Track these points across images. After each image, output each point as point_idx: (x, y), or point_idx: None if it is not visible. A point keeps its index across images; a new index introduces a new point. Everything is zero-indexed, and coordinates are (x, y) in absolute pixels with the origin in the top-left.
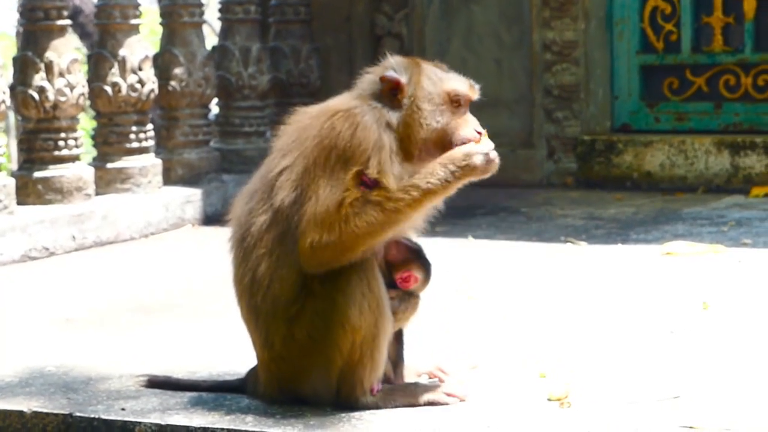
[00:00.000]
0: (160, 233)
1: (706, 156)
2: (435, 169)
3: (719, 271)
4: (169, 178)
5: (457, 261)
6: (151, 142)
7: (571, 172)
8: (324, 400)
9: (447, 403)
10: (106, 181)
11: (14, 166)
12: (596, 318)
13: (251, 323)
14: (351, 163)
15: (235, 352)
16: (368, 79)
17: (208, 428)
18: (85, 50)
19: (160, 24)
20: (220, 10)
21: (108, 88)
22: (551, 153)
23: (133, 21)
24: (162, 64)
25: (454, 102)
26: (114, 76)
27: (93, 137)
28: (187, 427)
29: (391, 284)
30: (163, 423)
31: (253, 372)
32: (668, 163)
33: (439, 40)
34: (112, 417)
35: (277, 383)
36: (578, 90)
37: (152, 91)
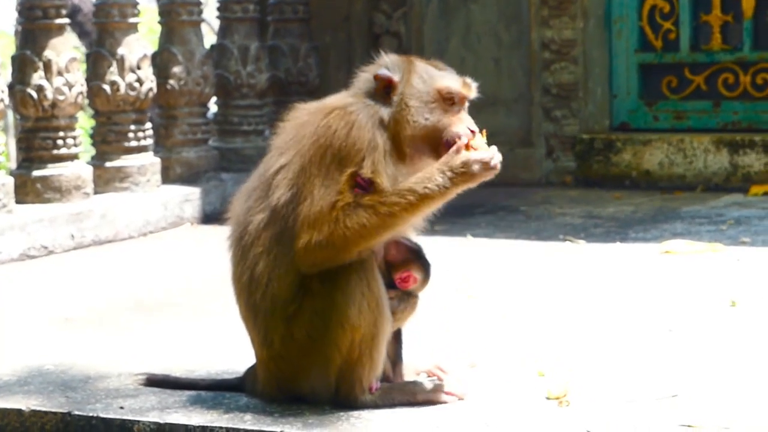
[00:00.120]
0: (159, 232)
1: (705, 154)
2: (433, 175)
3: (718, 270)
4: (167, 177)
5: (456, 260)
6: (149, 141)
7: (569, 170)
8: (323, 398)
9: (446, 402)
10: (105, 179)
11: (13, 164)
12: (595, 317)
13: (249, 321)
14: (346, 163)
15: (233, 351)
16: (363, 77)
17: (207, 427)
18: (83, 49)
19: (159, 22)
20: (219, 9)
21: (106, 87)
22: (550, 152)
23: (132, 20)
24: (160, 62)
25: (447, 100)
26: (112, 74)
27: (92, 136)
28: (186, 425)
29: (390, 284)
30: (161, 421)
31: (251, 370)
32: (667, 161)
33: (437, 39)
34: (111, 415)
35: (276, 382)
36: (577, 89)
37: (151, 89)
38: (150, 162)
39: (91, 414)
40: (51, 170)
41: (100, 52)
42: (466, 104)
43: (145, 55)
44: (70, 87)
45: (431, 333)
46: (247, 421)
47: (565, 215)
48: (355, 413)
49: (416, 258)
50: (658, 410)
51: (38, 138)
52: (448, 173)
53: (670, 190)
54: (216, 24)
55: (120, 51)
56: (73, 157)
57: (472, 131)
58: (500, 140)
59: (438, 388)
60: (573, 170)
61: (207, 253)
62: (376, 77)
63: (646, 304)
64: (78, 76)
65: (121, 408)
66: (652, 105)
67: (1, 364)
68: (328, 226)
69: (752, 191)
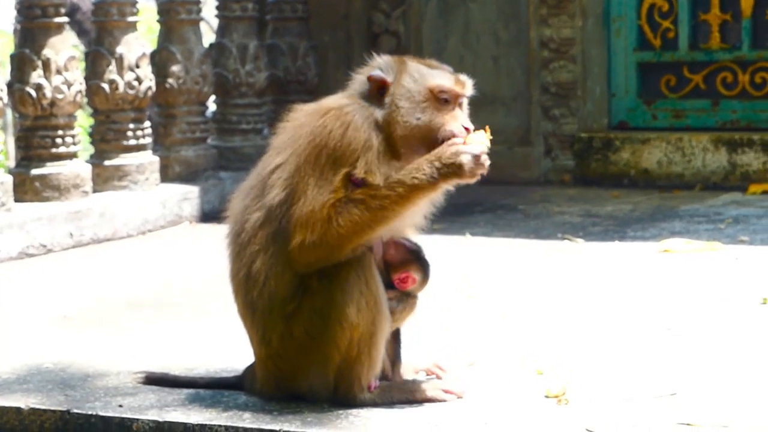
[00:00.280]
0: (158, 230)
1: (704, 153)
2: (421, 165)
3: (716, 269)
4: (166, 176)
5: (454, 258)
6: (148, 140)
7: (568, 169)
8: (321, 397)
9: (444, 400)
10: (104, 178)
11: (12, 163)
12: (594, 315)
13: (247, 319)
14: (340, 164)
15: (232, 349)
16: (358, 79)
17: (206, 425)
18: (82, 47)
19: (158, 21)
20: (218, 8)
21: (105, 86)
22: (548, 150)
23: (131, 18)
24: (159, 61)
25: (440, 98)
26: (111, 73)
27: (90, 134)
28: (185, 423)
29: (389, 285)
30: (160, 420)
31: (250, 369)
32: (665, 160)
33: (436, 38)
34: (110, 414)
35: (275, 380)
36: (575, 87)
37: (149, 88)
38: (149, 161)
39: (90, 412)
40: (50, 169)
41: (99, 51)
42: (463, 102)
43: (143, 54)
44: (69, 85)
45: (430, 332)
46: (246, 419)
47: (564, 214)
48: (354, 411)
49: (415, 259)
50: (656, 409)
51: (37, 136)
52: (437, 164)
53: (669, 188)
54: (215, 23)
55: (119, 50)
56: (71, 155)
57: (467, 129)
58: (499, 139)
59: (437, 387)
60: (571, 169)
61: (205, 252)
62: (370, 79)
63: (645, 302)
64: (77, 75)
65: (120, 406)
66: (651, 104)
67: (1, 363)
68: (321, 225)
69: (751, 190)
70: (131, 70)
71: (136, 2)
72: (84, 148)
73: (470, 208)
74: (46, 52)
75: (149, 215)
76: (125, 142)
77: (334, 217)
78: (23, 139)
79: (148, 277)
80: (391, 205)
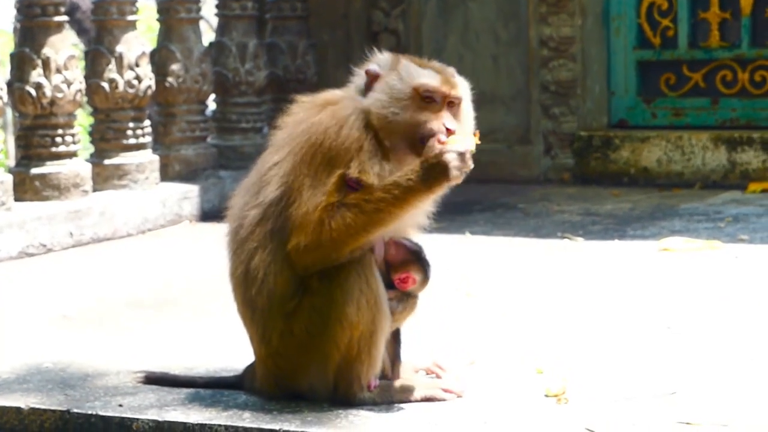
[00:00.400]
0: (158, 229)
1: (703, 152)
2: (414, 168)
3: (716, 267)
4: (166, 175)
5: (454, 257)
6: (148, 139)
7: (567, 167)
8: (321, 396)
9: (444, 399)
10: (104, 177)
11: (12, 162)
12: (593, 314)
13: (247, 317)
14: (334, 164)
15: (232, 349)
16: (358, 73)
17: (206, 424)
18: (82, 46)
19: (157, 20)
20: (217, 6)
21: (105, 85)
22: (548, 149)
23: (130, 17)
24: (159, 60)
25: (424, 97)
26: (111, 72)
27: (90, 133)
28: (185, 423)
29: (389, 285)
30: (160, 419)
31: (250, 368)
32: (665, 158)
33: (435, 37)
34: (110, 413)
35: (274, 379)
36: (575, 86)
37: (149, 87)
38: (148, 159)
39: (89, 412)
40: (50, 168)
41: (98, 50)
42: (456, 103)
43: (143, 53)
44: (69, 84)
45: (430, 331)
46: (246, 418)
47: (564, 212)
48: (354, 411)
49: (415, 259)
50: (656, 407)
51: (37, 135)
52: (425, 166)
53: (668, 187)
54: (214, 21)
55: (118, 48)
56: (71, 154)
57: (449, 129)
58: (499, 137)
59: (436, 386)
60: (571, 167)
61: (205, 251)
62: (366, 73)
63: (645, 301)
64: (76, 74)
65: (120, 406)
66: (651, 102)
67: (1, 362)
68: (314, 228)
69: (750, 188)
70: (131, 68)
71: (136, 1)
72: (84, 147)
73: (470, 207)
74: (46, 51)
75: (149, 214)
76: (125, 141)
77: (326, 220)
78: (23, 138)
79: (148, 276)
80: (386, 208)
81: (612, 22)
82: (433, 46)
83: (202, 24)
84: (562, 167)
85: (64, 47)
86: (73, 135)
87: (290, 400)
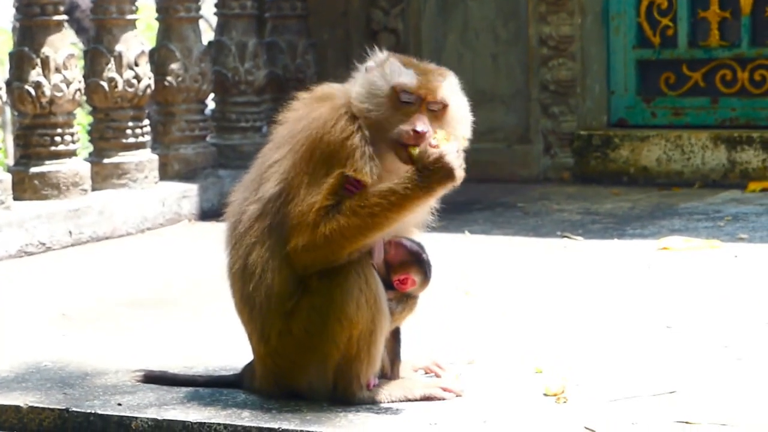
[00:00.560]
0: (157, 228)
1: (703, 151)
2: (413, 174)
3: (715, 267)
4: (165, 174)
5: (454, 256)
6: (147, 138)
7: (567, 167)
8: (320, 394)
9: (443, 398)
10: (103, 176)
11: (11, 161)
12: (593, 313)
13: (245, 314)
14: (332, 163)
15: (231, 347)
16: (359, 70)
17: (205, 423)
18: (81, 45)
19: (157, 19)
20: (217, 6)
21: (104, 84)
22: (548, 148)
23: (130, 16)
24: (158, 59)
25: (401, 98)
26: (110, 71)
27: (89, 132)
28: (184, 422)
29: (389, 285)
30: (159, 418)
31: (249, 367)
32: (665, 158)
33: (435, 36)
34: (109, 412)
35: (274, 378)
36: (575, 85)
37: (148, 86)
38: (148, 159)
39: (88, 410)
40: (49, 167)
41: (97, 49)
42: (438, 108)
43: (142, 52)
44: (68, 84)
45: (429, 330)
46: (245, 417)
47: (563, 212)
48: (353, 409)
49: (415, 261)
50: (655, 407)
51: (36, 135)
52: (426, 172)
53: (668, 186)
54: (214, 21)
55: (118, 48)
56: (70, 153)
57: (416, 132)
58: (498, 137)
59: (436, 385)
60: (571, 166)
61: (205, 250)
62: (366, 69)
63: (644, 300)
64: (76, 73)
65: (119, 405)
66: (650, 101)
67: (0, 361)
68: (310, 230)
69: (750, 188)
70: (130, 68)
71: (135, 0)
72: (83, 146)
73: (469, 206)
74: (45, 50)
75: (148, 213)
76: (124, 140)
77: (321, 223)
78: (22, 137)
79: (147, 275)
80: (382, 213)
81: (612, 21)
82: (432, 45)
83: (201, 23)
84: (561, 166)
85: (64, 46)
86: (72, 134)
87: (289, 398)
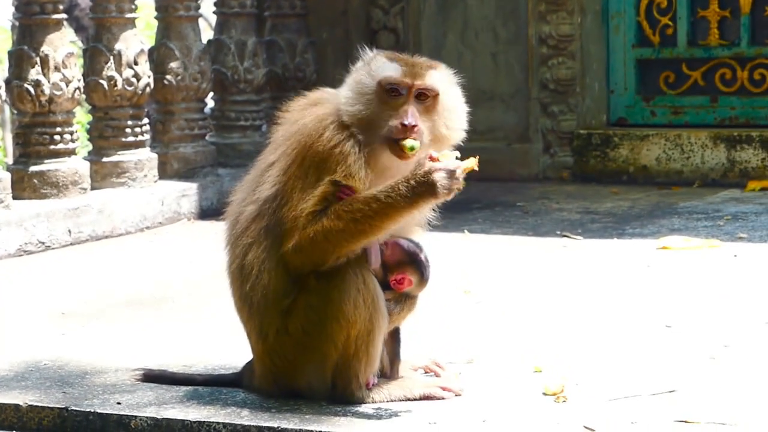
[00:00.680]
0: (156, 227)
1: (702, 150)
2: (398, 184)
3: (715, 266)
4: (164, 172)
5: (453, 255)
6: (146, 136)
7: (567, 166)
8: (319, 393)
9: (443, 398)
10: (102, 175)
11: (10, 160)
12: (592, 312)
13: (244, 312)
14: (323, 169)
15: (230, 346)
16: (353, 72)
17: (204, 422)
18: (80, 44)
19: (156, 18)
20: (216, 4)
21: (104, 82)
22: (547, 147)
23: (129, 15)
24: (158, 58)
25: (389, 91)
26: (110, 70)
27: (88, 131)
28: (183, 421)
29: (386, 286)
30: (159, 417)
31: (249, 365)
32: (664, 157)
33: (435, 35)
34: (108, 411)
35: (273, 377)
36: (574, 84)
37: (148, 85)
38: (147, 157)
39: (88, 409)
40: (48, 165)
41: (97, 48)
42: (428, 95)
43: (142, 51)
44: (67, 82)
45: (429, 329)
46: (245, 416)
47: (563, 211)
48: (352, 408)
49: (411, 261)
50: (655, 406)
51: (35, 133)
52: (412, 182)
53: (668, 185)
54: (213, 19)
55: (117, 46)
56: (70, 152)
57: (404, 125)
58: (498, 136)
59: (435, 384)
60: (570, 165)
61: (204, 249)
62: None
63: (643, 299)
64: (75, 72)
65: (119, 403)
66: (650, 100)
67: None
68: (299, 234)
69: (749, 187)
70: (129, 66)
71: None
72: (82, 144)
73: (469, 205)
74: (45, 48)
75: (147, 212)
76: (123, 139)
77: (308, 227)
78: (21, 135)
79: (146, 274)
80: (365, 219)
81: (611, 20)
82: (432, 44)
83: (200, 22)
84: (561, 165)
85: (63, 45)
86: (71, 133)
87: (289, 397)
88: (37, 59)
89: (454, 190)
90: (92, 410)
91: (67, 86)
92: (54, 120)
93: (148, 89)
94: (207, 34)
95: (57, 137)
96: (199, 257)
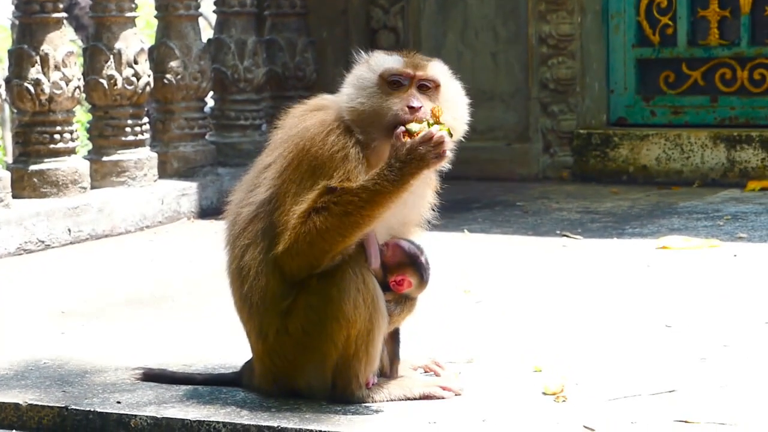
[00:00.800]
0: (156, 226)
1: (702, 150)
2: (383, 169)
3: (715, 266)
4: (164, 172)
5: (453, 255)
6: (146, 135)
7: (566, 165)
8: (319, 393)
9: (442, 397)
10: (102, 174)
11: (10, 159)
12: (592, 312)
13: (244, 312)
14: (319, 173)
15: (230, 346)
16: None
17: (204, 422)
18: (80, 43)
19: (156, 17)
20: (216, 3)
21: (104, 81)
22: (547, 147)
23: (129, 14)
24: (158, 57)
25: (391, 82)
26: (110, 69)
27: (88, 130)
28: (183, 420)
29: (386, 287)
30: (158, 416)
31: (248, 365)
32: (664, 156)
33: (434, 34)
34: (108, 410)
35: (272, 376)
36: (574, 83)
37: (148, 84)
38: (147, 156)
39: (88, 408)
40: (48, 164)
41: (97, 47)
42: (430, 85)
43: (142, 50)
44: (67, 81)
45: (429, 328)
46: (244, 416)
47: (562, 210)
48: (352, 408)
49: (411, 262)
50: (654, 406)
51: (35, 132)
52: (397, 164)
53: (667, 185)
54: (213, 18)
55: (117, 45)
56: (70, 151)
57: (411, 107)
58: (497, 135)
59: (434, 384)
60: (570, 165)
61: (203, 248)
62: None
63: (643, 299)
64: (75, 71)
65: (118, 403)
66: (650, 100)
67: None
68: (292, 236)
69: (749, 187)
70: (129, 65)
71: None
72: (82, 143)
73: (468, 205)
74: (45, 47)
75: (147, 211)
76: (123, 138)
77: (300, 227)
78: (21, 134)
79: (146, 273)
80: (356, 211)
81: (611, 19)
82: (432, 44)
83: (200, 21)
84: (561, 165)
85: (63, 44)
86: (71, 132)
87: (288, 397)
88: (37, 58)
89: (444, 155)
90: (92, 409)
91: (67, 85)
92: (54, 119)
93: (148, 88)
94: (207, 33)
95: (57, 136)
96: (199, 256)
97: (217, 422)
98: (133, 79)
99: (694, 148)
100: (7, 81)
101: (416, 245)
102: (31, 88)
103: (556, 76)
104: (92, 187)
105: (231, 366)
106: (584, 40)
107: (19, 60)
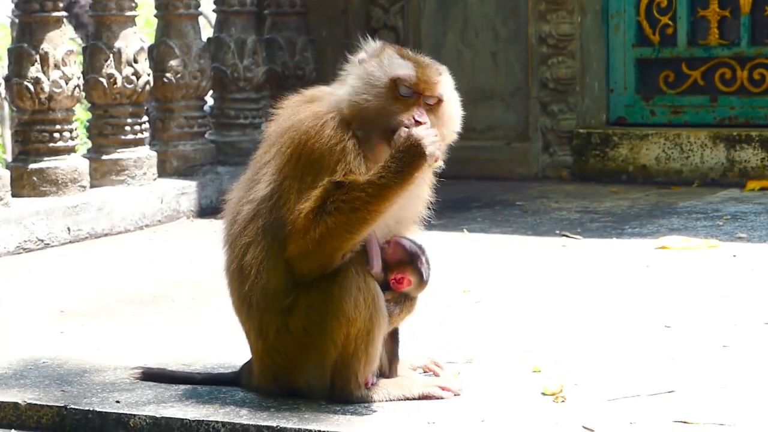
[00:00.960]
0: (155, 225)
1: (702, 150)
2: (387, 162)
3: (714, 266)
4: (164, 170)
5: (452, 254)
6: (146, 134)
7: (566, 165)
8: (318, 392)
9: (441, 397)
10: (101, 172)
11: (9, 157)
12: (591, 312)
13: (243, 312)
14: (319, 167)
15: (230, 345)
16: (350, 64)
17: (203, 421)
18: (80, 42)
19: (156, 15)
20: (216, 2)
21: (103, 80)
22: (547, 146)
23: (129, 12)
24: (157, 55)
25: (400, 90)
26: (109, 67)
27: (88, 129)
28: (182, 419)
29: (386, 286)
30: (157, 416)
31: (248, 364)
32: (664, 156)
33: (434, 33)
34: (107, 409)
35: (272, 375)
36: (574, 83)
37: (147, 82)
38: (146, 155)
39: (87, 408)
40: (47, 163)
41: (97, 45)
42: (433, 102)
43: (142, 48)
44: (67, 80)
45: (428, 328)
46: (244, 415)
47: (562, 210)
48: (351, 408)
49: (411, 261)
50: (654, 406)
51: (35, 131)
52: (399, 155)
53: (667, 185)
54: (213, 17)
55: (117, 44)
56: (69, 150)
57: (417, 121)
58: (497, 134)
59: (434, 384)
60: (570, 165)
61: (203, 247)
62: (358, 62)
63: (643, 299)
64: (75, 69)
65: (117, 402)
66: (649, 100)
67: None
68: (301, 236)
69: (749, 187)
70: (129, 64)
71: None
72: (82, 142)
73: (468, 204)
74: (45, 46)
75: (147, 210)
76: (123, 137)
77: (309, 226)
78: (21, 133)
79: (145, 272)
80: (363, 206)
81: (611, 19)
82: (432, 43)
83: (200, 20)
84: (560, 164)
85: (63, 42)
86: (71, 130)
87: (288, 397)
88: (37, 57)
89: (438, 149)
90: (91, 408)
91: (66, 84)
92: (53, 117)
93: (147, 87)
94: (207, 32)
95: (56, 135)
96: (199, 255)
97: (216, 422)
98: (133, 77)
99: (693, 148)
100: (7, 79)
101: (418, 245)
102: (31, 87)
103: (555, 75)
104: (92, 186)
105: (230, 366)
106: (584, 39)
107: (18, 58)
